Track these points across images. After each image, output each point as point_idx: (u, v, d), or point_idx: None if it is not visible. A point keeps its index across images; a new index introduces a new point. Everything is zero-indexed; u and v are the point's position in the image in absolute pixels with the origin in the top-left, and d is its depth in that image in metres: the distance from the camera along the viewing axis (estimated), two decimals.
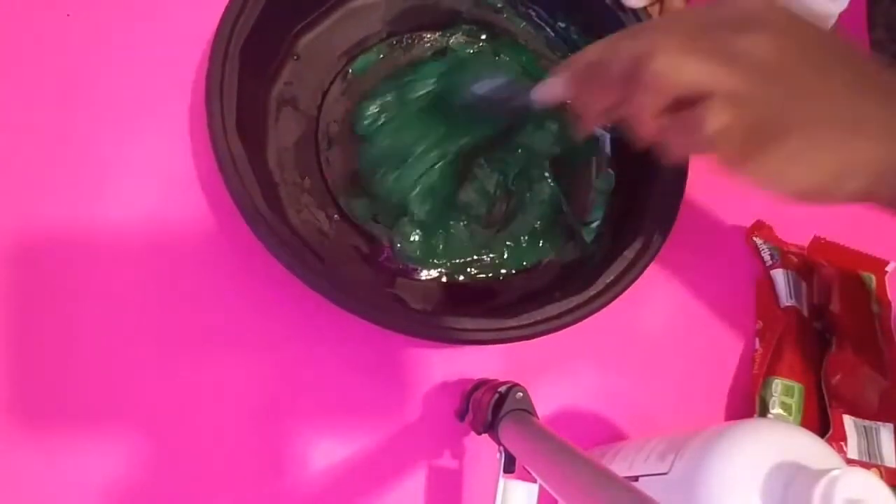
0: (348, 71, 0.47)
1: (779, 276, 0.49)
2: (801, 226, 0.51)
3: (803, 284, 0.50)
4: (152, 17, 0.47)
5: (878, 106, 0.29)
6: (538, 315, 0.40)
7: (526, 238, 0.47)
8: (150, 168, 0.44)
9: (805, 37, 0.30)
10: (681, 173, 0.45)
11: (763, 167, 0.29)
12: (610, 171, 0.49)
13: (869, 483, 0.28)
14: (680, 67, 0.29)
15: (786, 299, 0.48)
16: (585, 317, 0.41)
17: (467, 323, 0.39)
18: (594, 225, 0.47)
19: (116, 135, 0.44)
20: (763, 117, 0.28)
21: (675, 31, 0.30)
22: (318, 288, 0.37)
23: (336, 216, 0.45)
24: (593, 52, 0.33)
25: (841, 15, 0.43)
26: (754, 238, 0.51)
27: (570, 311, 0.41)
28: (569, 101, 0.37)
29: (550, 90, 0.37)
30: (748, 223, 0.51)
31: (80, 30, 0.46)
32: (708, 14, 0.30)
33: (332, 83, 0.47)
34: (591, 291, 0.41)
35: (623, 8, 0.46)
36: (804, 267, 0.50)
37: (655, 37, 0.30)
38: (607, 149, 0.49)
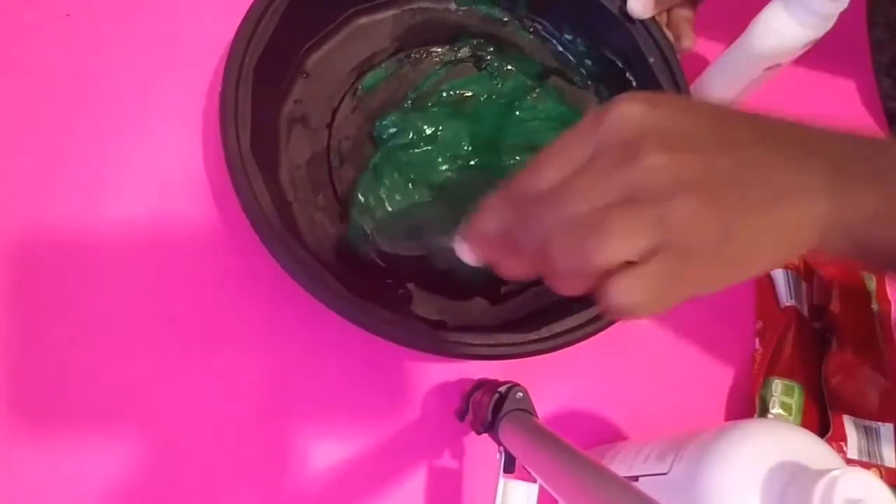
0: (358, 87, 0.47)
1: (779, 276, 0.49)
2: None
3: (803, 284, 0.50)
4: (152, 17, 0.47)
5: (796, 173, 0.27)
6: (557, 328, 0.40)
7: None
8: (151, 169, 0.44)
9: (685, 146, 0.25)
10: None
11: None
12: None
13: (869, 483, 0.28)
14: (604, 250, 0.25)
15: (786, 299, 0.48)
16: (606, 327, 0.40)
17: (487, 339, 0.39)
18: None
19: (117, 136, 0.44)
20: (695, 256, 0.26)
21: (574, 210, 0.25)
22: (338, 310, 0.37)
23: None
24: (494, 217, 0.28)
25: (841, 15, 0.43)
26: None
27: (590, 322, 0.40)
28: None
29: (468, 256, 0.30)
30: None
31: (81, 30, 0.46)
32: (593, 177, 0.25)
33: (342, 100, 0.47)
34: None
35: (631, 19, 0.45)
36: (804, 267, 0.50)
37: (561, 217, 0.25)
38: None
